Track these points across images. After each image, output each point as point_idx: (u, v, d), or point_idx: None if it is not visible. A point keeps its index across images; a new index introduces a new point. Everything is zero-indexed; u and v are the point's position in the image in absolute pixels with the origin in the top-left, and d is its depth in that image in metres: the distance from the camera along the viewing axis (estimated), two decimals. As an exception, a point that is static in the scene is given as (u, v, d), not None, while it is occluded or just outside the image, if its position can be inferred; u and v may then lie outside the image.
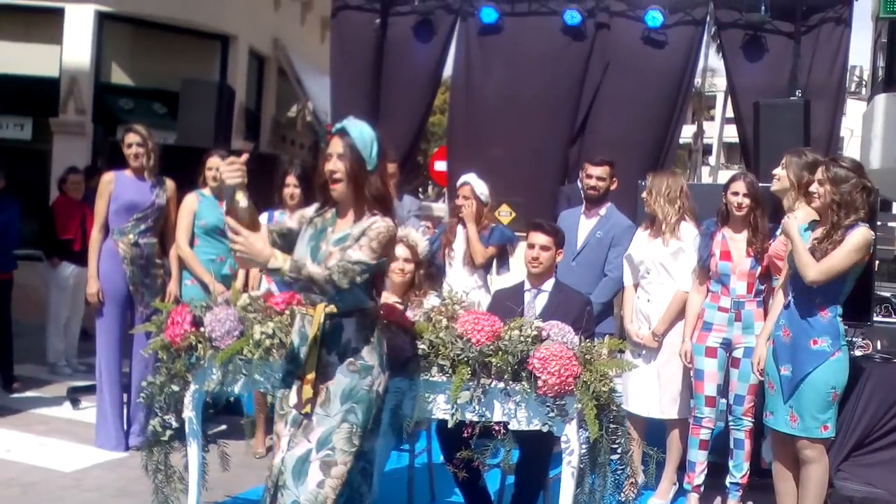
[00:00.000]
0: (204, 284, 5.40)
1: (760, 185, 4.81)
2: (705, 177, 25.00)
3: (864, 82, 18.22)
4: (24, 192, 8.71)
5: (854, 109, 20.13)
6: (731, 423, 4.79)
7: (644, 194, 5.00)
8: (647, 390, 4.93)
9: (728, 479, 4.77)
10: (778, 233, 4.54)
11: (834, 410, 3.96)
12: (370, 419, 3.13)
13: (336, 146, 3.14)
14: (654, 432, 5.06)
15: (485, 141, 8.68)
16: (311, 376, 3.11)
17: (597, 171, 5.44)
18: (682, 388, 4.89)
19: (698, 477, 4.78)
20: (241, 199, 3.02)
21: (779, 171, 4.58)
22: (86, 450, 5.31)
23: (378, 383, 3.15)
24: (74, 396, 6.35)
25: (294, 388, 3.15)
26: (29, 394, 6.45)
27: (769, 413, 4.07)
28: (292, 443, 3.08)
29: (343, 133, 3.15)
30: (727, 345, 4.72)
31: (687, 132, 30.30)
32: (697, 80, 25.52)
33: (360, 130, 3.16)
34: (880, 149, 10.60)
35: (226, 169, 3.06)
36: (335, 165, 3.13)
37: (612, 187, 5.55)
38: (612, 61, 8.06)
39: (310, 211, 3.30)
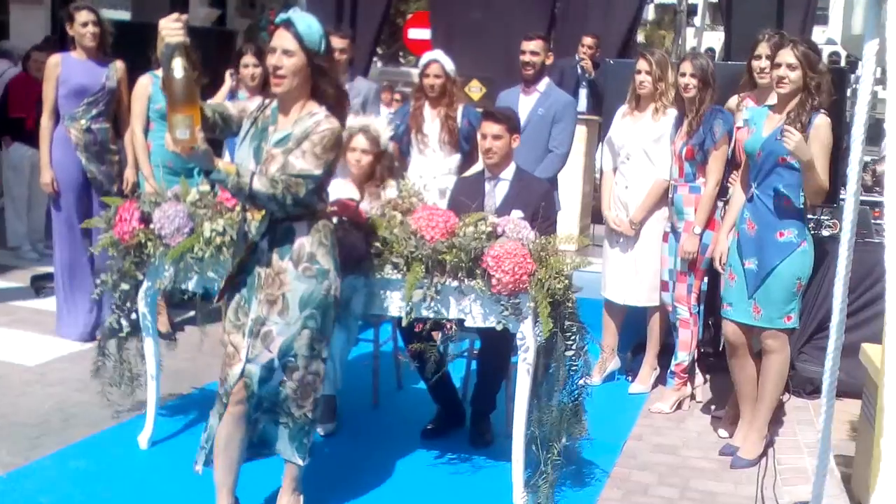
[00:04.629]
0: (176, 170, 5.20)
1: (731, 63, 4.65)
2: (690, 38, 24.36)
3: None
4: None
5: (842, -31, 19.47)
6: None
7: (643, 71, 4.74)
8: (625, 278, 4.90)
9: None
10: (746, 115, 4.41)
11: (798, 300, 3.95)
12: (330, 324, 3.11)
13: (281, 39, 2.94)
14: (634, 317, 5.10)
15: (464, 3, 8.42)
16: (231, 273, 3.10)
17: (530, 45, 5.28)
18: (659, 274, 4.84)
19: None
20: (177, 69, 2.72)
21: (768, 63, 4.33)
22: (50, 341, 5.28)
23: (335, 287, 3.10)
24: (39, 285, 6.28)
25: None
26: (-8, 281, 6.38)
27: (727, 305, 4.05)
28: (251, 353, 3.04)
29: (289, 24, 2.94)
30: (674, 229, 4.70)
31: (672, -9, 29.35)
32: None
33: (308, 24, 2.96)
34: (862, 14, 10.29)
35: (165, 26, 2.78)
36: (279, 60, 2.94)
37: (548, 62, 5.42)
38: None
39: (252, 105, 3.16)
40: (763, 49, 4.40)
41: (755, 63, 4.47)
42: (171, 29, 2.77)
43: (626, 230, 4.83)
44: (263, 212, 3.04)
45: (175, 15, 2.82)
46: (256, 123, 3.08)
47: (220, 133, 3.13)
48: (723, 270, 4.12)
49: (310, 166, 2.92)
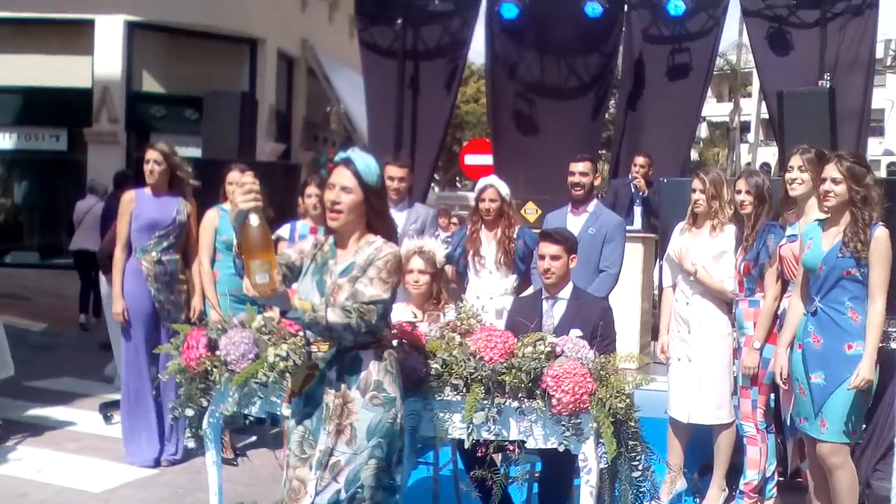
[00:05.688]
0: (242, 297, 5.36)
1: (776, 177, 4.70)
2: (744, 154, 24.60)
3: (900, 55, 17.81)
4: (62, 202, 8.86)
5: (894, 83, 19.69)
6: None
7: (697, 190, 4.78)
8: (690, 395, 4.82)
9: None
10: (788, 233, 4.42)
11: (863, 413, 3.85)
12: (395, 452, 3.10)
13: (340, 176, 3.06)
14: (701, 436, 4.97)
15: (522, 131, 8.81)
16: (294, 389, 3.12)
17: (579, 167, 5.40)
18: (726, 391, 4.76)
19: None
20: (253, 218, 2.86)
21: (799, 174, 4.39)
22: (116, 467, 5.34)
23: (401, 415, 3.11)
24: (107, 412, 6.40)
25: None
26: (63, 409, 6.50)
27: (803, 419, 3.96)
28: (319, 486, 3.02)
29: (349, 163, 3.07)
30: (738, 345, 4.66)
31: (724, 110, 29.86)
32: (732, 57, 25.18)
33: (367, 163, 3.08)
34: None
35: (240, 193, 2.90)
36: (337, 196, 3.04)
37: (597, 182, 5.55)
38: (634, 52, 8.26)
39: (307, 245, 3.24)
40: (795, 161, 4.39)
41: (787, 176, 4.48)
42: (244, 196, 2.85)
43: (687, 268, 4.75)
44: (329, 343, 3.08)
45: (248, 183, 2.90)
46: (315, 260, 3.16)
47: (288, 283, 3.16)
48: (784, 386, 4.03)
49: (379, 291, 2.98)
